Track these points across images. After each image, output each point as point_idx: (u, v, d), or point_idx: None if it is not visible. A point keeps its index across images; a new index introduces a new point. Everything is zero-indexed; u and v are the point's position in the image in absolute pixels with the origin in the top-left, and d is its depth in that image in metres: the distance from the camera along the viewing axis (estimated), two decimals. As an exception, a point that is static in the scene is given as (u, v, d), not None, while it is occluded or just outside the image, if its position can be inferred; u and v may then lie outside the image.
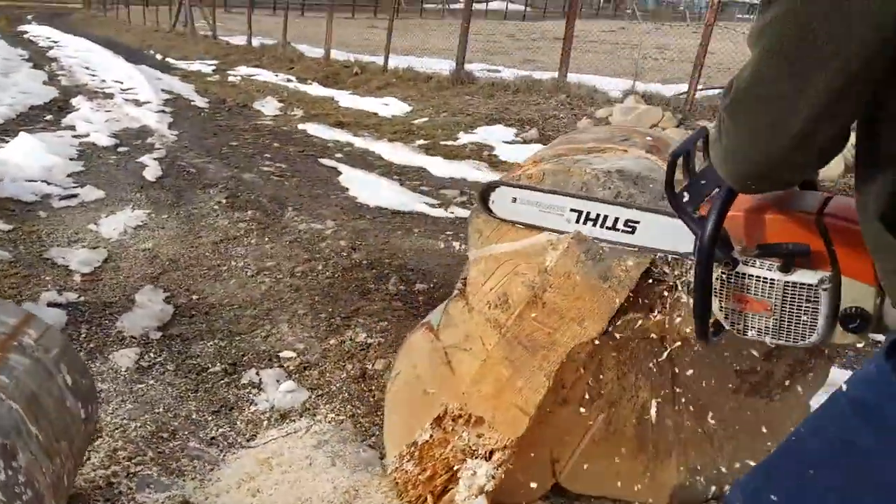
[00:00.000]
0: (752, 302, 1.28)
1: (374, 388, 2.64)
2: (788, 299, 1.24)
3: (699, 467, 1.96)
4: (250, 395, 2.57)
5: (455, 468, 1.83)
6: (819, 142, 0.90)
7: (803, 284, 1.22)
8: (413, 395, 1.94)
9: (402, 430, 1.95)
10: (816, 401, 1.84)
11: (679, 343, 1.67)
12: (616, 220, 1.62)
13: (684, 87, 8.17)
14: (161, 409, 2.45)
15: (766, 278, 1.25)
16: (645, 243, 1.59)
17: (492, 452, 1.77)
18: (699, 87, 7.72)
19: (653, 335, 1.67)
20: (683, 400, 1.82)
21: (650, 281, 1.62)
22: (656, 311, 1.65)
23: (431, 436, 1.87)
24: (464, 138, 7.06)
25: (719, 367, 1.76)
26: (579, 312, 1.66)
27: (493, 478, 1.75)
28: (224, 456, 2.25)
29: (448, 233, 4.28)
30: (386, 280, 3.51)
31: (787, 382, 1.79)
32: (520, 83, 9.17)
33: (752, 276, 1.26)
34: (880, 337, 1.22)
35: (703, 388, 1.78)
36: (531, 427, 1.74)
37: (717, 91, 8.22)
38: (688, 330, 1.60)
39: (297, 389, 2.59)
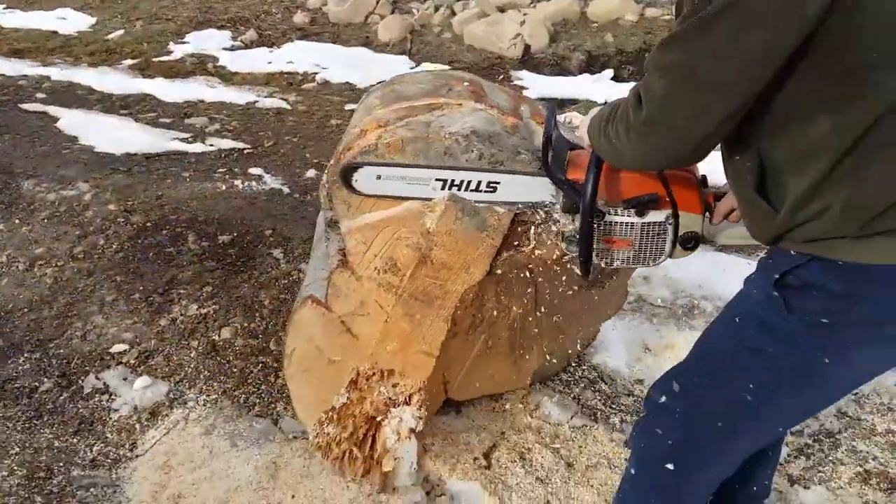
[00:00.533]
0: (618, 241, 1.67)
1: (230, 357, 2.67)
2: (645, 235, 1.65)
3: (553, 351, 2.39)
4: (104, 404, 2.46)
5: (378, 419, 2.04)
6: (708, 146, 1.23)
7: (655, 223, 1.63)
8: (319, 367, 2.07)
9: (315, 401, 2.09)
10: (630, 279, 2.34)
11: (541, 268, 2.01)
12: (479, 183, 1.86)
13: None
14: (16, 450, 2.26)
15: (627, 223, 1.65)
16: (507, 199, 1.87)
17: (410, 396, 2.01)
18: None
19: (524, 263, 1.98)
20: (542, 306, 2.19)
21: (517, 223, 1.91)
22: (524, 246, 1.95)
23: (349, 398, 2.04)
24: (177, 50, 6.51)
25: (568, 274, 2.14)
26: (465, 261, 1.91)
27: (420, 418, 2.00)
28: (117, 474, 2.19)
29: (220, 170, 4.13)
30: (183, 240, 3.38)
31: (613, 272, 2.24)
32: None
33: (617, 222, 1.64)
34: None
35: (556, 292, 2.15)
36: (449, 356, 2.01)
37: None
38: (545, 254, 1.95)
39: (153, 383, 2.53)
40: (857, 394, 2.47)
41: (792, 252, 1.23)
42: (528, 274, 2.02)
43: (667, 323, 2.87)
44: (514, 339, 2.23)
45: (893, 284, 1.15)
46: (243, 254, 3.28)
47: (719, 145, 1.30)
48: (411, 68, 6.13)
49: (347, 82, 5.76)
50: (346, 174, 1.91)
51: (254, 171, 4.12)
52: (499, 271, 1.95)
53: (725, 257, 3.24)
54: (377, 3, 7.38)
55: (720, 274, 3.12)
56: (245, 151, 4.42)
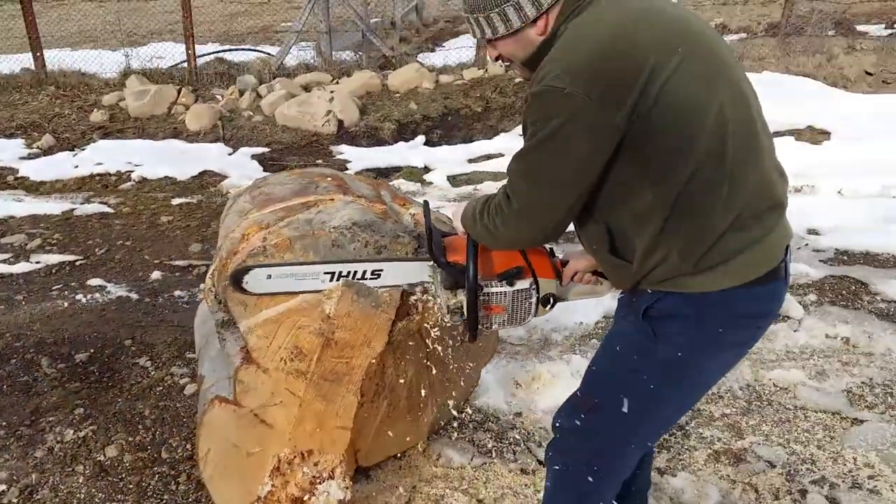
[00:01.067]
0: (495, 307, 1.99)
1: (123, 474, 2.61)
2: (515, 300, 1.98)
3: (442, 402, 2.63)
4: (-5, 553, 2.33)
5: (305, 497, 2.15)
6: (563, 227, 1.61)
7: (522, 289, 1.97)
8: (238, 462, 2.14)
9: (238, 495, 2.15)
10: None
11: (432, 328, 2.26)
12: (364, 272, 2.10)
13: (178, 58, 8.30)
14: None
15: (502, 292, 1.96)
16: (391, 283, 2.13)
17: (333, 470, 2.15)
18: (198, 56, 7.92)
19: (416, 329, 2.22)
20: (433, 365, 2.43)
21: (405, 295, 2.16)
22: (414, 315, 2.20)
23: (273, 485, 2.14)
24: (-34, 167, 6.07)
25: (450, 332, 2.40)
26: (365, 337, 2.11)
27: (347, 488, 2.14)
28: None
29: (55, 287, 3.96)
30: (37, 366, 3.22)
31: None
32: (-12, 82, 7.99)
33: (494, 293, 1.95)
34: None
35: (444, 348, 2.41)
36: (360, 426, 2.17)
37: (213, 54, 8.52)
38: (432, 320, 2.21)
39: (46, 519, 2.43)
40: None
41: (649, 291, 1.59)
42: (419, 338, 2.27)
43: (528, 358, 3.23)
44: (412, 398, 2.45)
45: (723, 304, 1.53)
46: (107, 369, 3.20)
47: (576, 227, 1.70)
48: (229, 154, 6.20)
49: (167, 176, 5.71)
50: (237, 277, 2.05)
51: (93, 282, 3.99)
52: (397, 339, 2.17)
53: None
54: (178, 93, 7.37)
55: (563, 310, 3.55)
56: (77, 263, 4.26)
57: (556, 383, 3.02)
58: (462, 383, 2.68)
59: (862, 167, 4.97)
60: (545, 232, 1.61)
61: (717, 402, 2.92)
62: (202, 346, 2.57)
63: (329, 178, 2.49)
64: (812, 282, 3.79)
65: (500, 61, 1.72)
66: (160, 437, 2.78)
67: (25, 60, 8.20)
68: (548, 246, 2.05)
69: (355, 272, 2.08)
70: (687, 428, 2.76)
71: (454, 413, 2.72)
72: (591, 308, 3.57)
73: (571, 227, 1.69)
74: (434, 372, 2.43)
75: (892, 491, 2.43)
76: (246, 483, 2.15)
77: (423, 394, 2.46)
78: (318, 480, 2.15)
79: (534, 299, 1.98)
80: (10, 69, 8.37)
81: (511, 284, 1.94)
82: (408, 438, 2.58)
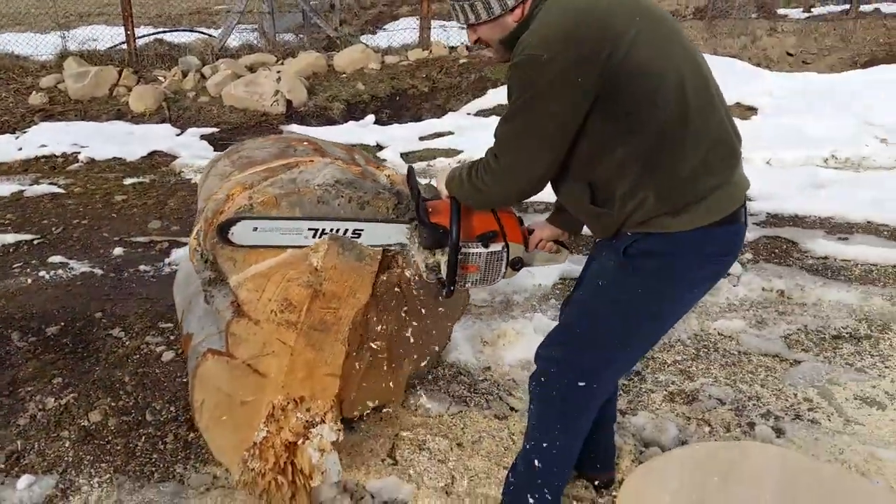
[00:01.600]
0: (470, 267, 2.16)
1: (109, 437, 2.67)
2: (488, 262, 2.16)
3: (418, 356, 2.78)
4: (-14, 515, 2.37)
5: (298, 442, 2.27)
6: (546, 179, 1.80)
7: (495, 251, 2.15)
8: (232, 411, 2.25)
9: (235, 443, 2.26)
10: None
11: (411, 281, 2.41)
12: (346, 230, 2.23)
13: (115, 40, 8.13)
14: None
15: (477, 253, 2.13)
16: (371, 242, 2.27)
17: (325, 415, 2.29)
18: (136, 37, 7.78)
19: (397, 281, 2.37)
20: (411, 318, 2.58)
21: (386, 251, 2.30)
22: (395, 268, 2.34)
23: (268, 431, 2.25)
24: None
25: (427, 286, 2.55)
26: (351, 289, 2.25)
27: (339, 430, 2.28)
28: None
29: (16, 265, 3.92)
30: (7, 340, 3.22)
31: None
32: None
33: (470, 253, 2.13)
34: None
35: (421, 302, 2.56)
36: (344, 376, 2.31)
37: (152, 35, 8.37)
38: (411, 274, 2.37)
39: (37, 479, 2.47)
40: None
41: (628, 233, 1.78)
42: (399, 291, 2.41)
43: (493, 318, 3.41)
44: (391, 349, 2.59)
45: (695, 242, 1.73)
46: (80, 340, 3.22)
47: (552, 185, 1.90)
48: (177, 135, 6.17)
49: (115, 157, 5.65)
50: (224, 229, 2.14)
51: (54, 259, 3.98)
52: (380, 292, 2.32)
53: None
54: (120, 75, 7.24)
55: (524, 274, 3.74)
56: (35, 242, 4.22)
57: (520, 339, 3.21)
58: (438, 337, 2.84)
59: (786, 140, 5.34)
60: (531, 184, 1.80)
61: (669, 350, 3.16)
62: (185, 307, 2.65)
63: (305, 143, 2.60)
64: (748, 242, 4.10)
65: (478, 44, 1.93)
66: (143, 402, 2.84)
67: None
68: (517, 214, 2.23)
69: (337, 230, 2.21)
70: (643, 373, 2.99)
71: (429, 367, 2.88)
72: (549, 272, 3.77)
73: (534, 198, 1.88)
74: (413, 324, 2.58)
75: (829, 420, 2.71)
76: (241, 430, 2.26)
77: (402, 345, 2.61)
78: (310, 425, 2.28)
79: (504, 261, 2.17)
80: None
81: (486, 246, 2.12)
82: (387, 392, 2.72)
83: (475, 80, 6.98)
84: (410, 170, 2.29)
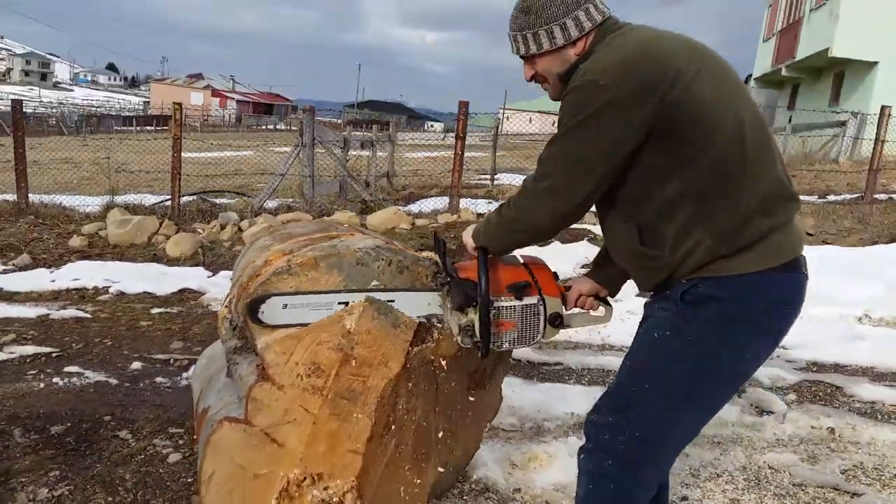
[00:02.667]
0: (505, 323, 2.06)
1: (100, 532, 2.43)
2: (524, 316, 2.05)
3: (445, 461, 2.57)
4: None
5: (311, 526, 2.04)
6: (587, 205, 1.75)
7: (530, 304, 2.05)
8: (243, 484, 2.05)
9: (242, 521, 2.03)
10: (505, 383, 2.69)
11: (444, 360, 2.29)
12: None
13: (155, 198, 8.58)
14: None
15: (511, 306, 2.04)
16: (403, 311, 2.18)
17: (344, 495, 2.07)
18: (181, 195, 8.19)
19: (430, 358, 2.25)
20: (440, 406, 2.42)
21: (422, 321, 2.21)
22: (429, 341, 2.24)
23: (279, 510, 2.03)
24: (-62, 278, 5.97)
25: (459, 373, 2.42)
26: (383, 356, 2.13)
27: (358, 513, 2.05)
28: None
29: (31, 372, 3.82)
30: (8, 436, 3.04)
31: (492, 374, 2.57)
32: (-34, 209, 8.05)
33: (504, 307, 2.03)
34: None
35: (451, 392, 2.41)
36: (366, 462, 2.11)
37: (196, 194, 8.81)
38: (446, 349, 2.25)
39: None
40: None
41: (683, 281, 1.68)
42: (432, 369, 2.29)
43: (523, 442, 3.19)
44: (417, 445, 2.40)
45: (758, 287, 1.63)
46: (84, 440, 3.04)
47: (601, 227, 1.87)
48: (209, 276, 6.25)
49: (146, 291, 5.69)
50: (254, 307, 2.08)
51: (70, 369, 3.87)
52: (412, 365, 2.19)
53: (556, 386, 3.73)
54: (160, 224, 7.52)
55: (554, 399, 3.58)
56: (53, 355, 4.13)
57: (553, 463, 2.98)
58: (464, 441, 2.64)
59: (818, 299, 5.28)
60: (569, 209, 1.73)
61: (716, 479, 2.90)
62: (203, 388, 2.52)
63: (345, 226, 2.62)
64: (790, 384, 3.91)
65: (533, 80, 1.93)
66: (142, 499, 2.62)
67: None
68: (551, 269, 2.16)
69: None
70: (690, 499, 2.72)
71: (455, 476, 2.65)
72: (581, 400, 3.58)
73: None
74: (439, 415, 2.41)
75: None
76: (250, 507, 2.04)
77: (427, 443, 2.42)
78: (327, 505, 2.06)
79: (542, 316, 2.05)
80: (-10, 201, 8.48)
81: (520, 299, 2.02)
82: (409, 499, 2.49)
83: (502, 242, 7.14)
84: (437, 234, 2.27)
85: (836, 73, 20.47)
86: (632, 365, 1.80)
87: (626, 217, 1.75)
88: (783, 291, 1.67)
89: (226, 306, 2.37)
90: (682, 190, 1.64)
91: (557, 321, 2.08)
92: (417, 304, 2.21)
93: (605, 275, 2.10)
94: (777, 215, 1.66)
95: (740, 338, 1.67)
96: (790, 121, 19.49)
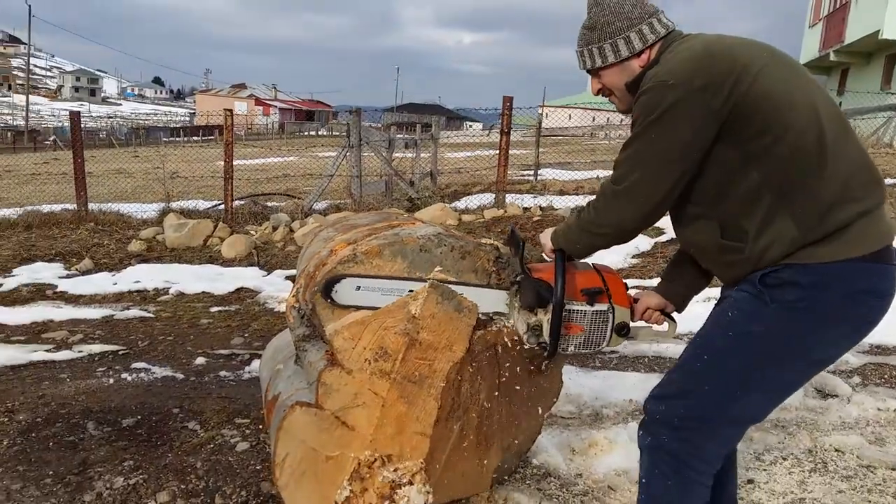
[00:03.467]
0: (574, 327, 2.08)
1: (177, 517, 2.53)
2: (593, 321, 2.08)
3: (507, 446, 2.60)
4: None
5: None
6: (668, 203, 1.76)
7: (601, 311, 2.08)
8: (315, 466, 2.11)
9: (316, 502, 2.09)
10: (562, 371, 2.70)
11: (506, 345, 2.31)
12: None
13: (208, 203, 8.77)
14: None
15: (582, 311, 2.07)
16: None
17: (413, 476, 2.11)
18: (234, 198, 8.38)
19: (493, 342, 2.28)
20: (500, 393, 2.44)
21: (485, 305, 2.25)
22: (491, 326, 2.27)
23: (351, 491, 2.09)
24: (8, 283, 6.23)
25: (520, 358, 2.44)
26: (448, 340, 2.17)
27: (429, 492, 2.09)
28: None
29: (100, 369, 3.97)
30: (82, 429, 3.18)
31: (552, 360, 2.57)
32: (30, 218, 8.38)
33: (575, 310, 2.06)
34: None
35: (513, 377, 2.44)
36: (433, 445, 2.15)
37: (248, 198, 9.00)
38: (508, 333, 2.28)
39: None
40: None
41: (766, 268, 1.67)
42: (495, 354, 2.31)
43: (582, 428, 3.20)
44: (480, 429, 2.43)
45: (842, 276, 1.60)
46: (155, 431, 3.15)
47: (678, 229, 1.88)
48: (264, 276, 6.39)
49: (204, 291, 5.86)
50: (328, 286, 2.14)
51: (138, 365, 4.01)
52: (475, 349, 2.23)
53: (613, 373, 3.72)
54: (215, 227, 7.71)
55: (611, 387, 3.57)
56: (120, 353, 4.29)
57: (614, 448, 2.97)
58: (525, 428, 2.66)
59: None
60: (647, 210, 1.75)
61: (781, 462, 2.86)
62: (271, 376, 2.60)
63: (405, 216, 2.66)
64: (854, 368, 3.83)
65: (600, 94, 1.99)
66: (213, 485, 2.70)
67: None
68: (623, 279, 2.18)
69: None
70: (756, 481, 2.70)
71: (516, 461, 2.68)
72: (638, 387, 3.57)
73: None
74: (502, 403, 2.44)
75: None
76: (323, 488, 2.10)
77: (490, 426, 2.45)
78: (397, 485, 2.10)
79: (610, 324, 2.08)
80: (51, 209, 8.81)
81: (591, 304, 2.06)
82: (473, 482, 2.52)
83: (550, 235, 7.14)
84: (513, 229, 2.30)
85: (888, 55, 19.86)
86: (702, 342, 1.80)
87: (705, 213, 1.75)
88: (872, 282, 1.62)
89: (293, 296, 2.43)
90: (760, 181, 1.64)
91: (624, 330, 2.12)
92: (483, 301, 2.25)
93: (673, 290, 2.13)
94: (862, 201, 1.62)
95: (818, 326, 1.64)
96: (840, 105, 18.93)
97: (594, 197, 1.87)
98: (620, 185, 1.75)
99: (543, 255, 2.19)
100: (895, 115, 16.17)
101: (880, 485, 2.67)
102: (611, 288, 2.09)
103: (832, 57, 22.48)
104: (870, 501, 2.54)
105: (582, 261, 2.13)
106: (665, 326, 2.24)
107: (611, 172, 1.81)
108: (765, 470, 2.79)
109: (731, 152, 1.65)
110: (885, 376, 3.77)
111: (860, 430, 3.11)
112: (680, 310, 2.19)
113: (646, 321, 2.20)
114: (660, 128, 1.66)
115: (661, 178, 1.70)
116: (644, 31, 1.82)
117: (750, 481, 2.69)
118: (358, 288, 2.16)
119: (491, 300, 2.26)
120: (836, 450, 2.95)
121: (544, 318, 2.08)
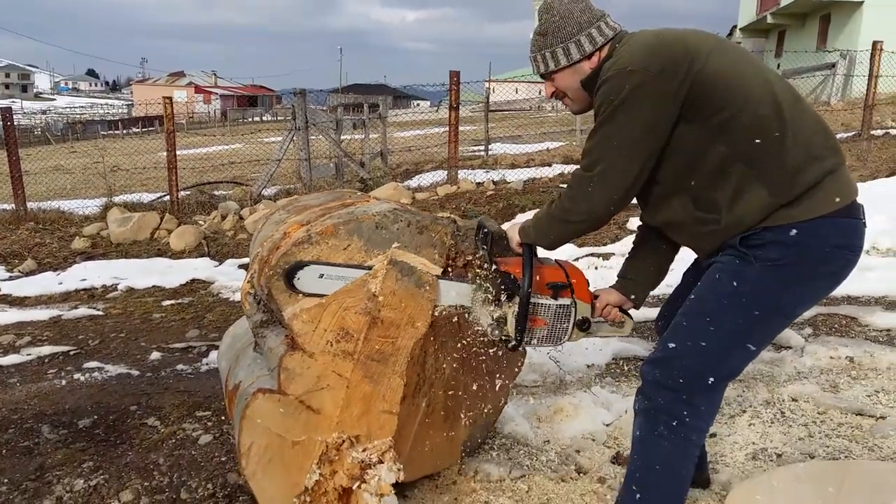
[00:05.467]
0: (537, 321, 2.11)
1: (141, 515, 2.46)
2: (556, 316, 2.12)
3: (474, 418, 2.59)
4: None
5: (352, 487, 2.06)
6: (637, 185, 1.80)
7: (563, 305, 2.12)
8: (282, 453, 2.06)
9: (284, 488, 2.06)
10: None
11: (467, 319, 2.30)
12: None
13: (152, 195, 8.54)
14: None
15: (546, 304, 2.10)
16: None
17: (383, 454, 2.09)
18: (180, 189, 8.16)
19: (452, 316, 2.26)
20: (465, 366, 2.43)
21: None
22: (453, 299, 2.25)
23: (320, 474, 2.06)
24: (-54, 290, 5.97)
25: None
26: (410, 316, 2.14)
27: (400, 469, 2.07)
28: None
29: (51, 371, 3.83)
30: (36, 433, 3.06)
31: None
32: (-36, 221, 8.02)
33: (539, 304, 2.10)
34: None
35: (477, 349, 2.43)
36: (400, 422, 2.13)
37: (194, 187, 8.78)
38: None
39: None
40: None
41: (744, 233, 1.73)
42: (457, 324, 2.30)
43: (547, 395, 3.22)
44: (447, 402, 2.42)
45: (817, 232, 1.67)
46: (113, 430, 3.06)
47: (649, 213, 1.96)
48: (216, 266, 6.26)
49: (154, 285, 5.70)
50: (291, 273, 2.08)
51: (90, 364, 3.89)
52: (437, 323, 2.21)
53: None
54: (161, 219, 7.51)
55: (573, 354, 3.60)
56: (71, 353, 4.15)
57: (579, 413, 3.00)
58: (492, 399, 2.66)
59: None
60: (620, 193, 1.80)
61: (741, 415, 2.93)
62: (231, 366, 2.53)
63: (358, 193, 2.61)
64: (805, 319, 3.94)
65: (554, 97, 2.06)
66: (178, 480, 2.64)
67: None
68: (586, 276, 2.21)
69: None
70: (720, 434, 2.76)
71: (485, 433, 2.68)
72: (599, 352, 3.61)
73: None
74: (468, 376, 2.43)
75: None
76: (291, 474, 2.06)
77: (456, 401, 2.44)
78: (367, 465, 2.08)
79: (572, 319, 2.13)
80: (-12, 211, 8.45)
81: (555, 297, 2.09)
82: (442, 456, 2.51)
83: (503, 208, 7.15)
84: (480, 221, 2.27)
85: (822, 15, 20.38)
86: (693, 305, 1.84)
87: (675, 191, 1.82)
88: (843, 237, 1.72)
89: (248, 282, 2.37)
90: (728, 153, 1.71)
91: (585, 325, 2.16)
92: (446, 293, 2.23)
93: (631, 288, 2.20)
94: (826, 160, 1.72)
95: (800, 281, 1.72)
96: (778, 67, 19.40)
97: (565, 187, 1.91)
98: (592, 172, 1.80)
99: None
100: (831, 74, 16.62)
101: (836, 429, 2.75)
102: (574, 283, 2.13)
103: (769, 19, 22.96)
104: (828, 446, 2.61)
105: (544, 255, 2.15)
106: (623, 323, 2.28)
107: (575, 166, 1.89)
108: (725, 424, 2.85)
109: (696, 130, 1.73)
110: (836, 326, 3.89)
111: (815, 379, 3.21)
112: (637, 306, 2.27)
113: (604, 318, 2.26)
114: (624, 112, 1.72)
115: (631, 160, 1.76)
116: (593, 35, 1.89)
117: (713, 435, 2.74)
118: (321, 276, 2.11)
119: (454, 292, 2.24)
120: (793, 399, 3.03)
121: (509, 311, 2.11)
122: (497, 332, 2.17)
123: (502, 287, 2.10)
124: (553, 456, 2.69)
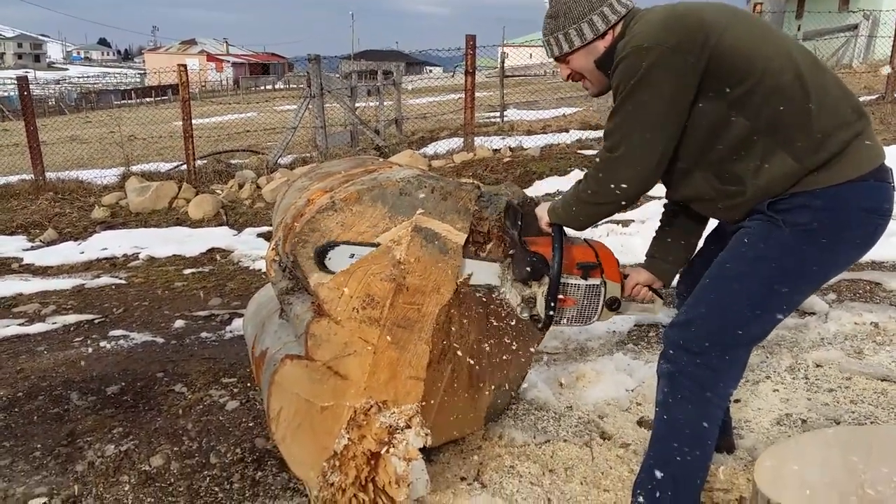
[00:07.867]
0: (566, 300, 2.10)
1: (171, 480, 2.50)
2: (586, 295, 2.12)
3: (498, 384, 2.61)
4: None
5: (380, 451, 2.08)
6: (662, 164, 1.78)
7: (593, 285, 2.11)
8: (311, 418, 2.09)
9: (313, 453, 2.08)
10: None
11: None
12: None
13: (169, 164, 8.55)
14: None
15: (576, 284, 2.10)
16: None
17: (410, 419, 2.11)
18: (196, 157, 8.17)
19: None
20: (489, 332, 2.44)
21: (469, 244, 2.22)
22: (478, 265, 2.24)
23: (349, 438, 2.08)
24: (-31, 260, 6.05)
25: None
26: (435, 283, 2.14)
27: (427, 434, 2.09)
28: None
29: (77, 339, 3.89)
30: (66, 400, 3.12)
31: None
32: (-14, 191, 8.10)
33: (570, 283, 2.09)
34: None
35: (501, 316, 2.43)
36: (426, 388, 2.15)
37: (210, 156, 8.78)
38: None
39: (98, 524, 2.29)
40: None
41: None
42: (481, 294, 2.30)
43: (569, 362, 3.23)
44: (471, 368, 2.43)
45: (846, 196, 1.64)
46: (141, 397, 3.11)
47: (673, 190, 1.93)
48: (234, 235, 6.29)
49: (175, 254, 5.75)
50: (322, 254, 2.09)
51: (115, 332, 3.94)
52: (462, 290, 2.21)
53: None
54: (179, 188, 7.53)
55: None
56: (96, 321, 4.21)
57: (602, 379, 3.01)
58: (516, 365, 2.67)
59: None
60: (647, 172, 1.77)
61: (766, 381, 2.92)
62: (257, 332, 2.56)
63: (380, 160, 2.60)
64: (829, 285, 3.90)
65: (570, 80, 2.03)
66: (207, 445, 2.69)
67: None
68: (615, 256, 2.19)
69: None
70: (745, 398, 2.76)
71: (508, 398, 2.69)
72: (622, 319, 3.61)
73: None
74: (492, 342, 2.43)
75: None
76: (320, 439, 2.09)
77: (482, 367, 2.45)
78: (394, 430, 2.10)
79: (601, 298, 2.12)
80: (6, 181, 8.52)
81: (585, 278, 2.08)
82: (466, 422, 2.53)
83: (521, 175, 7.10)
84: (509, 203, 2.25)
85: (845, -25, 19.86)
86: (720, 270, 1.82)
87: (698, 166, 1.79)
88: (873, 201, 1.68)
89: (272, 249, 2.38)
90: (750, 126, 1.68)
91: (615, 305, 2.15)
92: (476, 272, 2.23)
93: (659, 266, 2.18)
94: (853, 124, 1.68)
95: (829, 245, 1.69)
96: (799, 29, 19.00)
97: (590, 169, 1.89)
98: (617, 152, 1.78)
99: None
100: (853, 35, 16.26)
101: (861, 395, 2.74)
102: (604, 262, 2.12)
103: (790, -21, 22.42)
104: (854, 412, 2.61)
105: (575, 235, 2.14)
106: (652, 302, 2.27)
107: (600, 147, 1.86)
108: (749, 390, 2.85)
109: (715, 104, 1.70)
110: (860, 291, 3.85)
111: (839, 345, 3.19)
112: (667, 285, 2.25)
113: (634, 297, 2.25)
114: (643, 90, 1.70)
115: (654, 137, 1.73)
116: (606, 13, 1.86)
117: (737, 401, 2.74)
118: (352, 255, 2.11)
119: (484, 272, 2.24)
120: (818, 365, 3.02)
121: (538, 290, 2.11)
122: (526, 311, 2.18)
123: (533, 267, 2.08)
124: (576, 421, 2.70)
